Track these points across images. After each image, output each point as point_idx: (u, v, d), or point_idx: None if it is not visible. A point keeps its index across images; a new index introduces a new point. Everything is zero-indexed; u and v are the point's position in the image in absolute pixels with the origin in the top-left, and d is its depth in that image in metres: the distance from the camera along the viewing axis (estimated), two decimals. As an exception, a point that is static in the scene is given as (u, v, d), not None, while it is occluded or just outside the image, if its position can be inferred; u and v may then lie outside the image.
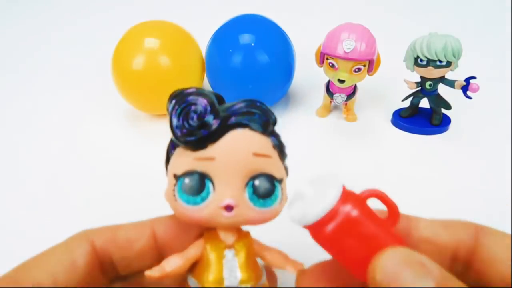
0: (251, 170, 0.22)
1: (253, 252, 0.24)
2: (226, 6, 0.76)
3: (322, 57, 0.50)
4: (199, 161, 0.22)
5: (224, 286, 0.21)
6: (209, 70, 0.55)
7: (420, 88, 0.52)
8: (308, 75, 0.63)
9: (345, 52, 0.47)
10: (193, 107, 0.21)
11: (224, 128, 0.21)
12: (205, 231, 0.24)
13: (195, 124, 0.21)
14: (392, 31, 0.72)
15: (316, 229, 0.22)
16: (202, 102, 0.21)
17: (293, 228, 0.24)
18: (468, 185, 0.46)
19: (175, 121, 0.22)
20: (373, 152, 0.51)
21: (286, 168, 0.25)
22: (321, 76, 0.54)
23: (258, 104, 0.23)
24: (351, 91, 0.54)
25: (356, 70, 0.49)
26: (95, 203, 0.46)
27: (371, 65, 0.49)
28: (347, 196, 0.22)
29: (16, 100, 0.65)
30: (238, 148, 0.22)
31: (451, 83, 0.49)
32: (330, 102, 0.56)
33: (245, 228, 0.25)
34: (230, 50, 0.51)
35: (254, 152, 0.22)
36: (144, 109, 0.57)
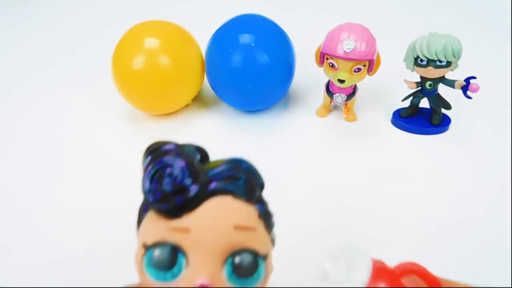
0: (231, 245, 0.19)
1: None
2: (226, 6, 0.76)
3: (322, 57, 0.50)
4: (172, 232, 0.19)
5: None
6: (209, 70, 0.55)
7: (420, 88, 0.52)
8: (308, 75, 0.63)
9: (345, 52, 0.47)
10: (168, 170, 0.19)
11: (202, 195, 0.19)
12: None
13: (169, 189, 0.19)
14: (392, 31, 0.72)
15: None
16: (179, 165, 0.19)
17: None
18: (468, 184, 0.46)
19: (147, 184, 0.19)
20: (373, 152, 0.51)
21: (273, 240, 0.22)
22: (321, 76, 0.54)
23: (244, 166, 0.20)
24: (351, 91, 0.54)
25: (356, 70, 0.49)
26: (95, 203, 0.46)
27: (371, 65, 0.49)
28: (378, 273, 0.18)
29: (16, 100, 0.65)
30: (218, 219, 0.19)
31: (451, 83, 0.49)
32: (330, 102, 0.56)
33: None
34: (230, 50, 0.51)
35: (236, 224, 0.19)
36: (144, 109, 0.57)
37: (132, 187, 0.47)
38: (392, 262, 0.39)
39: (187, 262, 0.19)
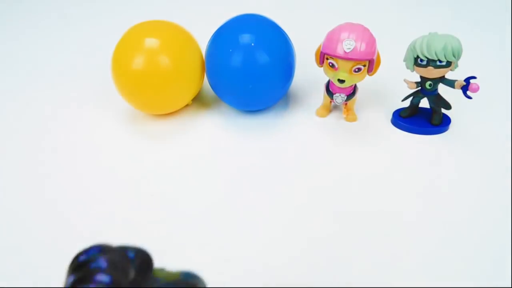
0: None
1: None
2: (226, 6, 0.76)
3: (322, 57, 0.50)
4: None
5: None
6: (209, 70, 0.55)
7: (420, 88, 0.52)
8: (308, 75, 0.63)
9: (345, 52, 0.47)
10: None
11: None
12: None
13: None
14: (392, 31, 0.72)
15: None
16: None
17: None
18: (468, 184, 0.46)
19: None
20: (373, 152, 0.51)
21: None
22: (321, 76, 0.54)
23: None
24: (351, 91, 0.54)
25: (356, 70, 0.49)
26: (95, 202, 0.46)
27: (371, 65, 0.49)
28: None
29: (16, 100, 0.65)
30: None
31: (451, 83, 0.49)
32: (330, 102, 0.56)
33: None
34: (230, 50, 0.51)
35: None
36: (144, 109, 0.57)
37: (132, 186, 0.47)
38: (392, 260, 0.39)
39: None
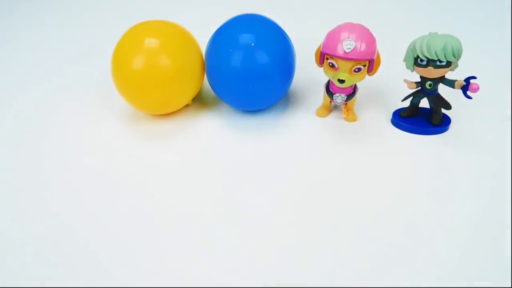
0: None
1: None
2: (226, 6, 0.76)
3: (322, 57, 0.50)
4: None
5: None
6: (209, 70, 0.55)
7: (420, 88, 0.52)
8: (308, 75, 0.63)
9: (345, 52, 0.47)
10: None
11: None
12: None
13: None
14: (392, 31, 0.72)
15: None
16: None
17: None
18: (468, 184, 0.46)
19: None
20: (373, 152, 0.51)
21: None
22: (321, 76, 0.54)
23: None
24: (351, 91, 0.54)
25: (356, 70, 0.49)
26: (95, 202, 0.46)
27: (371, 65, 0.49)
28: None
29: (16, 99, 0.65)
30: None
31: (451, 83, 0.49)
32: (330, 102, 0.56)
33: None
34: (230, 50, 0.51)
35: None
36: (144, 109, 0.57)
37: (131, 186, 0.47)
38: (392, 260, 0.39)
39: None
